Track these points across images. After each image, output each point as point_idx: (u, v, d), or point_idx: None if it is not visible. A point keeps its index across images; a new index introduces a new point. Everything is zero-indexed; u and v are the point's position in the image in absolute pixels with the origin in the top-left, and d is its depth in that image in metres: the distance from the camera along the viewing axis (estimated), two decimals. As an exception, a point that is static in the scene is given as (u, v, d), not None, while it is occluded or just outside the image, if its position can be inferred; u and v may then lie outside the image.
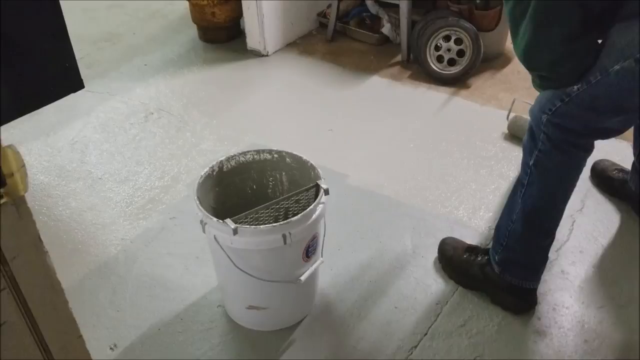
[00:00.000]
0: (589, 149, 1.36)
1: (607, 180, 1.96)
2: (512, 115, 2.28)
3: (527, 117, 1.97)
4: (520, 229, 1.47)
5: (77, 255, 1.83)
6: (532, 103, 1.41)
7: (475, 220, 1.91)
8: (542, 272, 1.55)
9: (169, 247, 1.84)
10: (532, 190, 1.42)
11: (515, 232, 1.48)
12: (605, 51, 1.20)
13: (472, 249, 1.67)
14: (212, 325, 1.59)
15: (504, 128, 2.30)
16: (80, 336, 0.83)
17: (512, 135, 2.28)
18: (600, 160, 2.01)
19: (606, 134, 1.34)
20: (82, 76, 1.99)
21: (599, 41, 1.22)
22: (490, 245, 1.61)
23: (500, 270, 1.55)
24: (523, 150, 1.44)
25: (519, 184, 1.46)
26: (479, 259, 1.62)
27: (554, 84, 1.30)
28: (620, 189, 1.90)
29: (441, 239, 1.77)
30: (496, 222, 1.57)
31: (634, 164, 1.82)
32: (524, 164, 1.43)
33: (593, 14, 1.16)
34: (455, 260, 1.68)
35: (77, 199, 2.06)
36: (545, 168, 1.38)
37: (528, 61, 1.28)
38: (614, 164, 1.99)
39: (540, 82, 1.33)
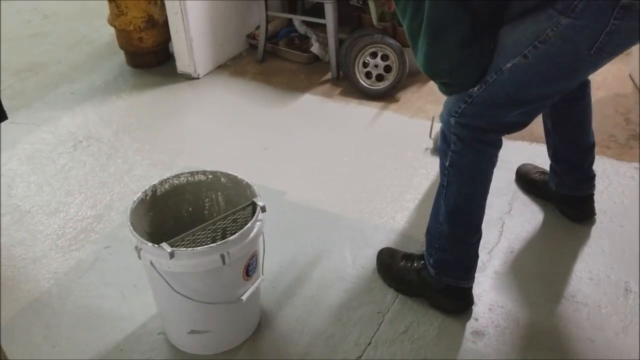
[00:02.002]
0: (498, 145, 1.47)
1: (530, 182, 2.07)
2: (436, 133, 2.28)
3: None
4: (448, 228, 1.53)
5: (7, 292, 1.75)
6: None
7: (412, 228, 1.96)
8: (474, 270, 1.61)
9: (104, 277, 1.79)
10: (451, 190, 1.49)
11: (444, 232, 1.55)
12: (497, 52, 1.31)
13: (408, 256, 1.72)
14: (154, 353, 1.55)
15: (431, 140, 2.39)
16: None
17: None
18: (523, 165, 2.13)
19: (510, 128, 1.44)
20: (5, 108, 1.93)
21: (492, 45, 1.33)
22: (424, 251, 1.67)
23: (436, 273, 1.60)
24: (438, 153, 1.53)
25: (440, 187, 1.53)
26: (415, 264, 1.67)
27: (456, 89, 1.39)
28: (543, 189, 2.01)
29: (379, 249, 1.82)
30: (427, 226, 1.62)
31: (551, 165, 1.94)
32: (441, 166, 1.51)
33: (482, 19, 1.27)
34: (393, 269, 1.72)
35: (5, 234, 1.98)
36: (460, 167, 1.47)
37: (429, 71, 1.37)
38: (535, 167, 2.11)
39: (445, 88, 1.42)
